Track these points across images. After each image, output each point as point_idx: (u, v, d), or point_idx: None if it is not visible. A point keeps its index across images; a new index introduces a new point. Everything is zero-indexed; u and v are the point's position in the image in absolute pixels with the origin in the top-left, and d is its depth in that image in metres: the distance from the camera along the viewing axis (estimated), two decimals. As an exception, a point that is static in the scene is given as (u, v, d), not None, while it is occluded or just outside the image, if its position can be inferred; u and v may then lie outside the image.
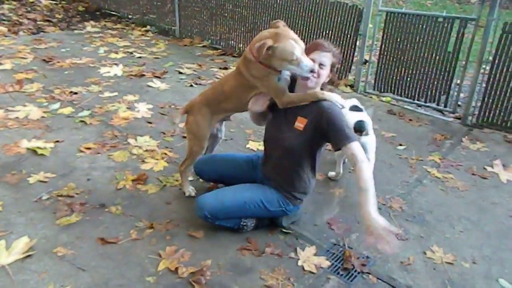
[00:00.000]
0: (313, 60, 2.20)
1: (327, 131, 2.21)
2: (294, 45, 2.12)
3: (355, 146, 2.12)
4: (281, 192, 2.43)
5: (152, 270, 2.20)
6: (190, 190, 2.81)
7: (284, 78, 2.31)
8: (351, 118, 2.83)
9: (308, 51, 2.22)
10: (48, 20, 7.55)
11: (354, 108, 3.02)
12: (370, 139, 2.89)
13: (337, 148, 2.19)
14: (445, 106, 4.60)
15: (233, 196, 2.41)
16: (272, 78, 2.27)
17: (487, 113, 4.29)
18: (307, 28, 5.38)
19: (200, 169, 2.79)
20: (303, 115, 2.28)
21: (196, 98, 2.70)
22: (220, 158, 2.82)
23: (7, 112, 3.85)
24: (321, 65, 2.23)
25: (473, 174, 3.39)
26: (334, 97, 2.25)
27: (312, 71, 2.17)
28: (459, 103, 4.59)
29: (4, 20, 7.22)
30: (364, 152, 2.14)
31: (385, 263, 2.37)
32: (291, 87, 2.37)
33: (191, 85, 4.94)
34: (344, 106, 2.32)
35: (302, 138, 2.29)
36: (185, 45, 6.67)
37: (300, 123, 2.28)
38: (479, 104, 4.33)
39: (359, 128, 2.76)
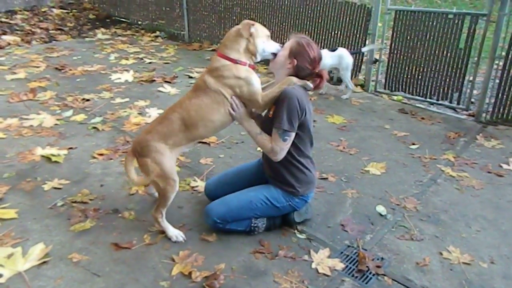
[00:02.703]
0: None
1: (275, 109, 2.29)
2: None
3: (276, 137, 2.28)
4: (281, 187, 2.45)
5: (166, 275, 2.20)
6: (177, 234, 2.45)
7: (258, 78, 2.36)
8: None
9: None
10: (60, 29, 7.67)
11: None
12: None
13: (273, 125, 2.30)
14: (458, 104, 4.54)
15: (238, 198, 2.45)
16: (251, 78, 2.28)
17: (501, 110, 4.22)
18: (316, 29, 5.37)
19: (212, 192, 2.70)
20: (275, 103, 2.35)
21: (142, 136, 2.37)
22: (232, 175, 2.75)
23: (21, 120, 3.91)
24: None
25: (488, 172, 3.33)
26: (291, 81, 2.31)
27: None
28: (472, 100, 4.53)
29: (17, 30, 7.35)
30: (276, 145, 2.28)
31: (400, 264, 2.34)
32: None
33: (201, 89, 4.95)
34: (311, 87, 2.36)
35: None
36: (195, 50, 6.70)
37: (271, 111, 2.36)
38: (492, 100, 4.26)
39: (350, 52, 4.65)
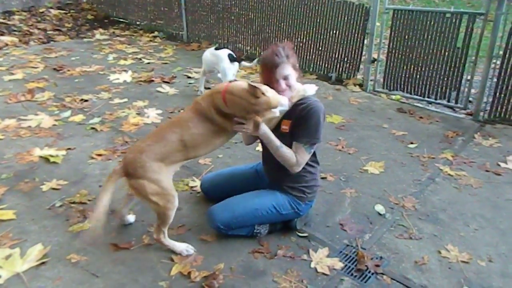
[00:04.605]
0: (277, 80, 2.21)
1: (298, 123, 2.26)
2: (273, 101, 2.10)
3: (302, 151, 2.27)
4: (291, 192, 2.42)
5: (165, 275, 2.20)
6: (185, 248, 2.35)
7: None
8: (224, 53, 4.37)
9: (269, 71, 2.22)
10: (58, 29, 7.65)
11: (230, 56, 4.37)
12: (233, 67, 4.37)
13: (292, 139, 2.28)
14: (456, 103, 4.54)
15: (244, 204, 2.41)
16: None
17: (499, 108, 4.23)
18: (314, 29, 5.37)
19: (207, 188, 2.78)
20: (287, 118, 2.31)
21: (135, 156, 2.17)
22: (226, 175, 2.78)
23: (19, 121, 3.90)
24: (285, 77, 2.22)
25: (486, 171, 3.34)
26: (303, 94, 2.26)
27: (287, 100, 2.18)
28: (470, 99, 4.54)
29: (15, 30, 7.34)
30: (302, 158, 2.29)
31: (399, 263, 2.34)
32: None
33: (200, 89, 4.95)
34: (313, 92, 2.30)
35: (291, 139, 2.31)
36: (193, 50, 6.69)
37: (285, 126, 2.32)
38: (490, 99, 4.27)
39: (230, 57, 4.34)
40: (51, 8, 8.90)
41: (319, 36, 5.36)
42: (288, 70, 2.22)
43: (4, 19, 7.88)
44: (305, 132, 2.26)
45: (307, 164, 2.38)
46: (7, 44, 6.52)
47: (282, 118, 2.31)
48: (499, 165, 3.43)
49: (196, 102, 2.25)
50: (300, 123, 2.26)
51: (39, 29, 7.54)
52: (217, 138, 2.27)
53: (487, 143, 3.81)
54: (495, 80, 4.20)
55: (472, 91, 4.56)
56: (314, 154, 2.42)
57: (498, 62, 4.13)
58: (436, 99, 4.64)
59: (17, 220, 2.59)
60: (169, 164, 2.22)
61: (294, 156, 2.26)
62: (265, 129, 2.21)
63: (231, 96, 2.13)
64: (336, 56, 5.31)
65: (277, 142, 2.25)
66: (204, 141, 2.24)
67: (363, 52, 5.11)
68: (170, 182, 2.25)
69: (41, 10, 8.70)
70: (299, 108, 2.26)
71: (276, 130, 2.30)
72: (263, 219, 2.43)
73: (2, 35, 6.94)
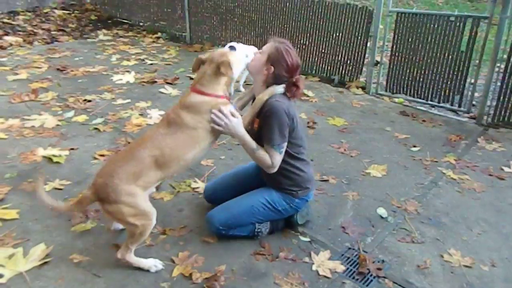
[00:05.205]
0: None
1: (262, 124, 2.28)
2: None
3: (273, 152, 2.27)
4: (280, 190, 2.44)
5: (167, 276, 2.20)
6: (152, 263, 2.24)
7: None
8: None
9: None
10: (61, 30, 7.68)
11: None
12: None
13: (262, 142, 2.29)
14: (459, 106, 4.53)
15: (239, 203, 2.44)
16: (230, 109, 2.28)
17: (502, 112, 4.21)
18: (318, 31, 5.37)
19: (210, 196, 2.74)
20: (257, 116, 2.34)
21: (106, 180, 2.06)
22: (230, 178, 2.76)
23: (23, 121, 3.92)
24: (261, 50, 2.36)
25: (489, 175, 3.32)
26: (273, 90, 2.29)
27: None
28: (473, 102, 4.52)
29: (19, 30, 7.37)
30: (274, 159, 2.28)
31: (401, 266, 2.34)
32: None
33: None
34: (281, 90, 2.30)
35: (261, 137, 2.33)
36: (196, 51, 6.70)
37: (256, 124, 2.35)
38: (494, 103, 4.26)
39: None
40: (55, 8, 8.95)
41: (322, 39, 5.36)
42: (265, 50, 2.32)
43: (8, 19, 7.92)
44: (264, 132, 2.28)
45: (288, 163, 2.38)
46: (11, 44, 6.55)
47: (256, 117, 2.35)
48: (502, 169, 3.41)
49: (166, 114, 2.28)
50: (262, 123, 2.30)
51: (43, 29, 7.57)
52: (190, 150, 2.20)
53: (490, 147, 3.80)
54: (499, 83, 4.18)
55: (476, 94, 4.55)
56: (290, 154, 2.37)
57: (502, 66, 4.12)
58: (439, 102, 4.63)
59: (20, 220, 2.59)
60: (143, 186, 2.13)
61: (269, 158, 2.28)
62: (242, 131, 2.26)
63: (198, 84, 2.25)
64: (339, 58, 5.31)
65: (252, 144, 2.28)
66: (177, 156, 2.16)
67: (366, 55, 5.11)
68: (148, 203, 2.16)
69: (45, 11, 8.74)
70: (263, 108, 2.29)
71: (251, 129, 2.35)
72: (261, 216, 2.44)
73: (6, 35, 6.97)
